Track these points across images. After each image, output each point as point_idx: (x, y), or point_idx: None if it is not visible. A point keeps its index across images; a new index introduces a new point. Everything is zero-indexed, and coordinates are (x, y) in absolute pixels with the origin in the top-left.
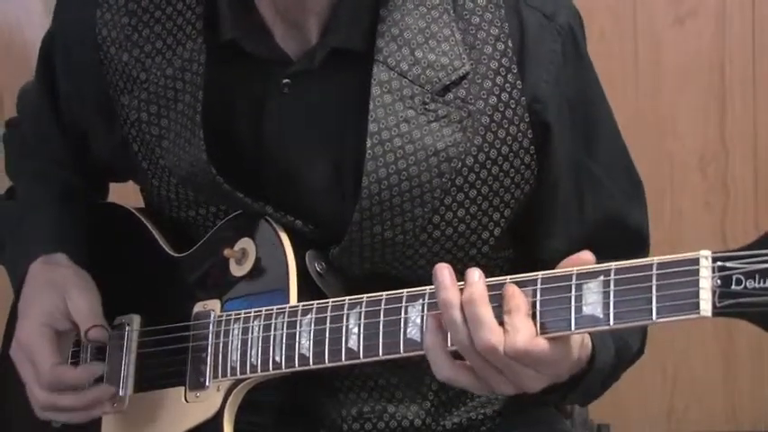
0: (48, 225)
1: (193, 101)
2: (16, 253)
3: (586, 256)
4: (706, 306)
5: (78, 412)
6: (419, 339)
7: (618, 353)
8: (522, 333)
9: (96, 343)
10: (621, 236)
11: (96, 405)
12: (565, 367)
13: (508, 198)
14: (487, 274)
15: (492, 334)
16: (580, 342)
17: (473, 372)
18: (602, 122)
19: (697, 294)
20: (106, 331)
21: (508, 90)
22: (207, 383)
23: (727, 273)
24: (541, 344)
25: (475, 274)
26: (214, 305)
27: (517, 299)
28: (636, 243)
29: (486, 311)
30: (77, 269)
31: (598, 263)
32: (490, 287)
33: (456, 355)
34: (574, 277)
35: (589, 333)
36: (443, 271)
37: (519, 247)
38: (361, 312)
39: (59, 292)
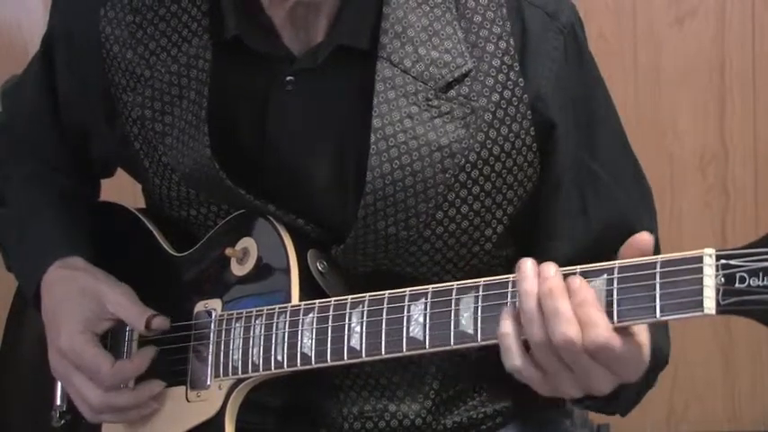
0: (56, 228)
1: (198, 97)
2: (26, 259)
3: (644, 236)
4: (710, 304)
5: (133, 410)
6: (422, 338)
7: (653, 355)
8: (602, 326)
9: (158, 332)
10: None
11: (150, 400)
12: (636, 369)
13: (511, 195)
14: (490, 272)
15: (570, 327)
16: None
17: (541, 368)
18: (605, 123)
19: (701, 292)
20: (166, 318)
21: (510, 88)
22: (208, 383)
23: (731, 271)
24: (618, 338)
25: (551, 269)
26: (215, 304)
27: (585, 291)
28: None
29: (564, 304)
30: (97, 269)
31: None
32: None
33: None
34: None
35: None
36: (526, 263)
37: (523, 246)
38: (363, 311)
39: (92, 296)
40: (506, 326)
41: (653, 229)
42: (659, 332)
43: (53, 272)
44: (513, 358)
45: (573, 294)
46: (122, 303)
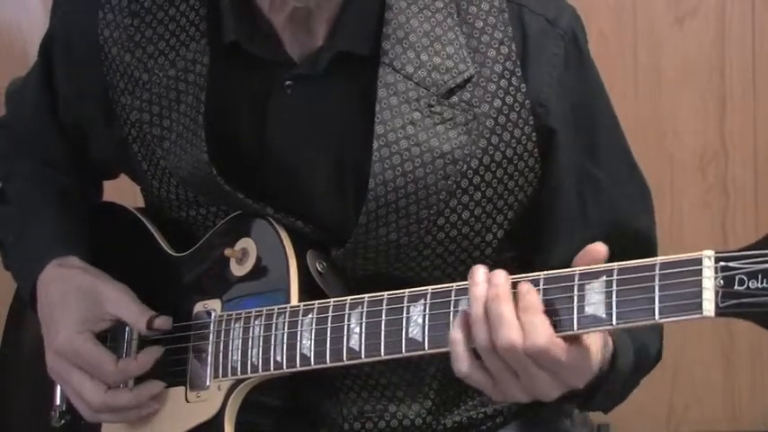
0: (54, 228)
1: (196, 102)
2: (24, 258)
3: (598, 247)
4: (709, 306)
5: (132, 410)
6: (421, 339)
7: (637, 353)
8: (542, 331)
9: (159, 332)
10: (628, 244)
11: (150, 401)
12: (582, 375)
13: (512, 201)
14: None
15: (512, 331)
16: (601, 346)
17: (490, 374)
18: (606, 128)
19: (700, 294)
20: (168, 318)
21: (512, 93)
22: (208, 383)
23: (730, 273)
24: (560, 344)
25: (501, 276)
26: (215, 305)
27: (531, 296)
28: (643, 251)
29: (508, 309)
30: (94, 269)
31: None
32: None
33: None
34: (576, 277)
35: (593, 332)
36: (479, 269)
37: (524, 251)
38: (362, 312)
39: (89, 295)
40: (456, 333)
41: (652, 230)
42: (646, 330)
43: (49, 271)
44: (462, 365)
45: (519, 299)
46: (122, 303)
